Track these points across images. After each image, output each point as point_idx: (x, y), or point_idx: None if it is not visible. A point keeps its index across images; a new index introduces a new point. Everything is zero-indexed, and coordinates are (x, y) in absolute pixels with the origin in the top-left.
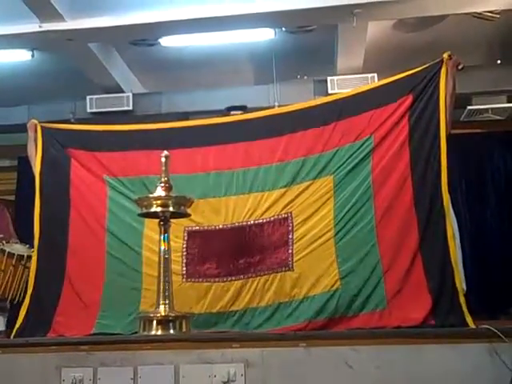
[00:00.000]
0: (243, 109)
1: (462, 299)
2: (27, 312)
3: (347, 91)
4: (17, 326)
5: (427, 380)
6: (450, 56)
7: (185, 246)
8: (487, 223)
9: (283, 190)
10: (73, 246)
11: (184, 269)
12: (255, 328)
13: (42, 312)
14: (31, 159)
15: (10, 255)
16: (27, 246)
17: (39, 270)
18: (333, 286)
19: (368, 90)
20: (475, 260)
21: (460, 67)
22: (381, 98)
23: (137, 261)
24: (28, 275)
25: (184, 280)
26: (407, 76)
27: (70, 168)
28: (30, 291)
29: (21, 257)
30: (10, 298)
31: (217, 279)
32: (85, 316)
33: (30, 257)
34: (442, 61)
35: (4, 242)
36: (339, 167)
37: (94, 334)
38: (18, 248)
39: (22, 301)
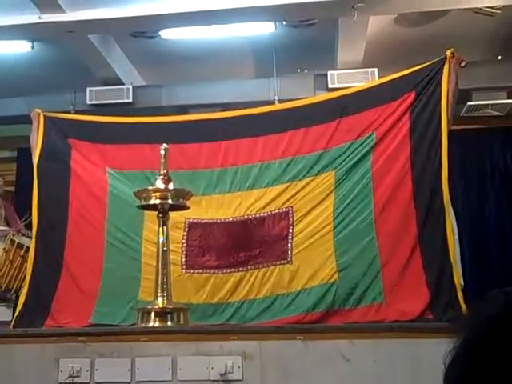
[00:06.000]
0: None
1: (459, 294)
2: (26, 299)
3: (350, 88)
4: (16, 313)
5: (424, 374)
6: (452, 53)
7: (185, 236)
8: (486, 219)
9: (285, 186)
10: (71, 235)
11: (184, 260)
12: (252, 319)
13: (40, 299)
14: (33, 149)
15: (20, 246)
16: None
17: (37, 257)
18: (330, 278)
19: (371, 88)
20: (473, 256)
21: (463, 65)
22: (384, 96)
23: (136, 250)
24: None
25: (183, 271)
26: (410, 73)
27: (70, 158)
28: (28, 279)
29: (29, 249)
30: (14, 289)
31: (216, 271)
32: (83, 303)
33: None
34: (444, 58)
35: (16, 231)
36: (341, 163)
37: (92, 325)
38: (26, 240)
39: None
